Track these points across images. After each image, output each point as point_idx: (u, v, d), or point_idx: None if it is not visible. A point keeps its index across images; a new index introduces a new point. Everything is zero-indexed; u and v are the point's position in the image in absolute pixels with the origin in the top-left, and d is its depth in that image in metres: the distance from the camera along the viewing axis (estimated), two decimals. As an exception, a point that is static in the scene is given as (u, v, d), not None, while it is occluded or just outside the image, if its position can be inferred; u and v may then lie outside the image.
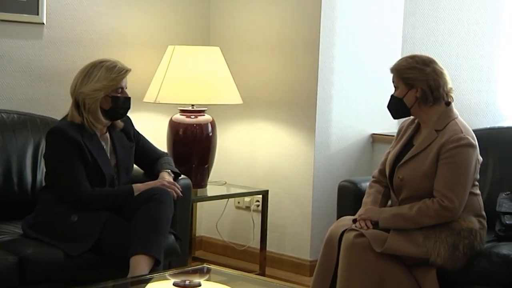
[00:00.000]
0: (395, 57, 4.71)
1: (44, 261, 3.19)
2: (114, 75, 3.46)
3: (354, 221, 3.32)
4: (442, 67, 3.33)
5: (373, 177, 3.53)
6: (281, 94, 4.62)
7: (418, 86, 3.28)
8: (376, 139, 4.75)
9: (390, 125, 4.78)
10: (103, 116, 3.47)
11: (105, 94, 3.45)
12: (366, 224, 3.25)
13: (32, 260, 3.17)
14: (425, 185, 3.23)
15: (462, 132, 3.23)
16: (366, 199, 3.44)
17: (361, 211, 3.35)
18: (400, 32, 4.77)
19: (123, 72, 3.48)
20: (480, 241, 3.21)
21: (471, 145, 3.23)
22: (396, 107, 3.37)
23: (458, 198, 3.17)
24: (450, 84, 3.32)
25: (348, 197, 3.63)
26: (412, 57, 3.34)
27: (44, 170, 3.58)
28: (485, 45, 4.43)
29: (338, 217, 3.56)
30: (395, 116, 3.46)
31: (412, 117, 3.44)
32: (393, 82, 3.38)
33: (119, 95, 3.49)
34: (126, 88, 3.53)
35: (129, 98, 3.54)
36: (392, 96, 3.38)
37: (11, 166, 3.65)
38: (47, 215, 3.38)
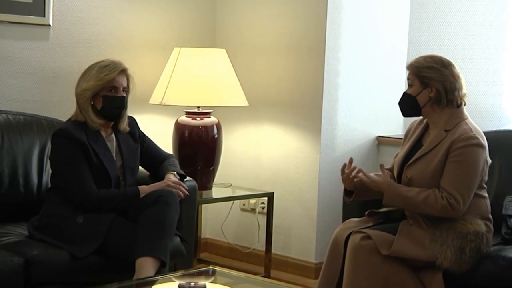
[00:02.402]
0: (401, 60, 4.74)
1: (49, 263, 3.19)
2: (103, 74, 3.42)
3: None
4: (459, 71, 3.32)
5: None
6: (286, 96, 4.62)
7: (434, 86, 3.27)
8: (381, 141, 4.75)
9: (395, 128, 4.78)
10: (96, 116, 3.45)
11: (94, 93, 3.43)
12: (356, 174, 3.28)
13: (38, 261, 3.17)
14: (434, 184, 3.22)
15: (472, 132, 3.23)
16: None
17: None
18: (406, 35, 4.78)
19: (112, 71, 3.44)
20: (487, 244, 3.21)
21: (480, 145, 3.22)
22: (408, 105, 3.35)
23: (463, 199, 3.17)
24: (464, 90, 3.32)
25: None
26: (432, 57, 3.32)
27: (50, 171, 3.58)
28: (491, 48, 4.43)
29: (343, 220, 3.56)
30: (405, 114, 3.43)
31: (420, 117, 3.43)
32: (408, 79, 3.36)
33: (111, 94, 3.47)
34: (125, 88, 3.49)
35: (123, 97, 3.48)
36: (404, 93, 3.37)
37: (17, 168, 3.65)
38: (53, 217, 3.38)
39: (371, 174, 3.35)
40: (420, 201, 3.19)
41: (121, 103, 3.49)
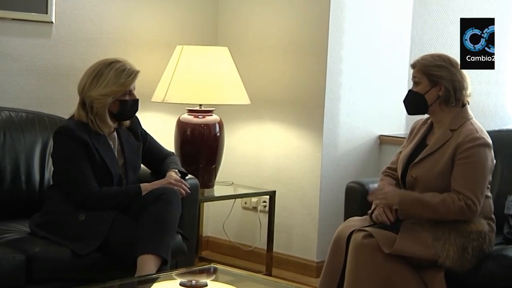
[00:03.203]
0: (404, 59, 4.74)
1: (51, 260, 3.19)
2: (123, 80, 3.43)
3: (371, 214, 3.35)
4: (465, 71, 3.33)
5: (382, 172, 3.53)
6: (289, 94, 4.62)
7: (443, 84, 3.27)
8: (383, 140, 4.74)
9: (398, 127, 4.78)
10: (111, 119, 3.47)
11: (114, 99, 3.45)
12: (386, 215, 3.24)
13: (40, 258, 3.17)
14: (439, 184, 3.22)
15: (477, 132, 3.23)
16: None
17: (380, 187, 3.31)
18: (408, 34, 4.77)
19: (132, 76, 3.45)
20: (489, 244, 3.21)
21: (487, 145, 3.23)
22: (414, 103, 3.35)
23: (479, 200, 3.17)
24: (470, 89, 3.32)
25: (356, 198, 3.62)
26: (440, 56, 3.32)
27: (52, 169, 3.58)
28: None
29: (345, 218, 3.56)
30: (410, 112, 3.44)
31: (425, 117, 3.43)
32: (414, 77, 3.34)
33: (127, 98, 3.48)
34: (134, 89, 3.51)
35: (137, 100, 3.53)
36: (410, 91, 3.36)
37: (19, 165, 3.65)
38: (55, 214, 3.38)
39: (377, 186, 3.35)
40: (437, 203, 3.16)
41: (137, 106, 3.54)
